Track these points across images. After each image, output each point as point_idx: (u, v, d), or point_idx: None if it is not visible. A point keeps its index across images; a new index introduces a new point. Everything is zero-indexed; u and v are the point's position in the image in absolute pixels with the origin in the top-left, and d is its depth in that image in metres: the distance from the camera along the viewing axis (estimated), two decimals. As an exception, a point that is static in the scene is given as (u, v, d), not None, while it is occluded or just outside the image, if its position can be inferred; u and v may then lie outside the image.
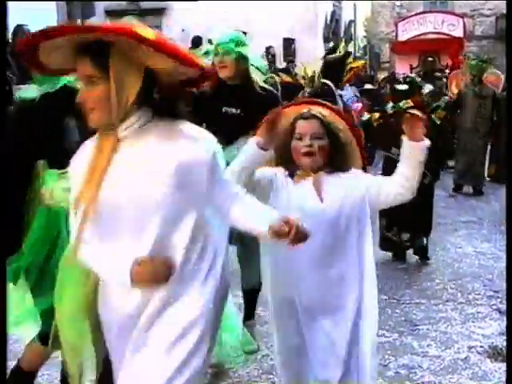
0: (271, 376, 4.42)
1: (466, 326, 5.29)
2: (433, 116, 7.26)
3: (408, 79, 7.44)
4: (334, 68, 7.84)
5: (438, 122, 7.34)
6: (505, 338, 5.01)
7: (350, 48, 27.08)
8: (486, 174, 11.95)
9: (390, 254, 7.31)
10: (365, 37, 37.22)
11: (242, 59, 4.51)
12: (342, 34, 25.89)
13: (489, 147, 12.42)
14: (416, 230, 7.22)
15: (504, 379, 4.34)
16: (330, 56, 8.05)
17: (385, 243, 7.25)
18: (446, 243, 7.83)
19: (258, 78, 4.62)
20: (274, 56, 17.86)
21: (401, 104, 6.96)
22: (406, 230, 7.18)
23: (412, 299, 5.93)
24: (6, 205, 2.75)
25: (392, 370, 4.51)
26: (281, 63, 18.28)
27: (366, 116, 7.70)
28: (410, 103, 6.95)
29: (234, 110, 4.47)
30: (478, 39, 36.86)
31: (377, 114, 7.45)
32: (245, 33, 16.43)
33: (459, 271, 6.77)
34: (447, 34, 17.79)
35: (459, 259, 7.18)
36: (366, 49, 30.39)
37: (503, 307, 5.68)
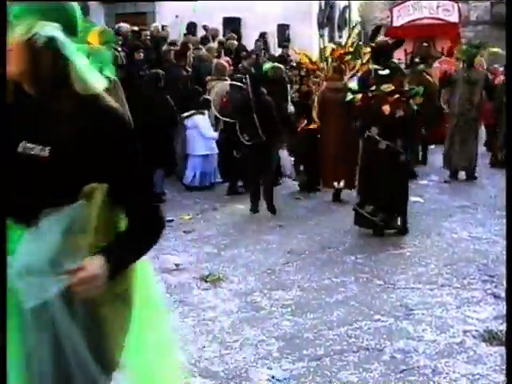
0: (267, 361, 4.43)
1: (461, 311, 5.30)
2: (410, 101, 7.51)
3: (392, 65, 7.63)
4: (381, 52, 7.93)
5: (415, 108, 7.61)
6: (500, 321, 5.04)
7: (345, 34, 27.07)
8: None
9: (384, 239, 7.36)
10: (360, 22, 37.12)
11: (47, 43, 2.05)
12: (336, 20, 25.79)
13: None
14: (392, 210, 7.50)
15: (499, 362, 4.38)
16: (379, 40, 8.19)
17: (360, 220, 7.57)
18: (441, 228, 7.83)
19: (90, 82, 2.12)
20: (266, 43, 17.79)
21: (382, 88, 7.30)
22: (382, 210, 7.42)
23: (407, 284, 5.93)
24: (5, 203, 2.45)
25: (387, 354, 4.52)
26: (275, 49, 18.20)
27: (349, 97, 7.87)
28: (392, 87, 7.31)
29: (37, 150, 2.10)
30: (473, 24, 36.79)
31: (359, 96, 7.65)
32: (239, 19, 16.43)
33: (454, 256, 6.78)
34: (442, 20, 17.72)
35: (454, 244, 7.19)
36: (361, 34, 30.30)
37: (498, 291, 5.71)
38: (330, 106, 9.06)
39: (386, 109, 7.25)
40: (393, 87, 7.32)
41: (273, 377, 4.20)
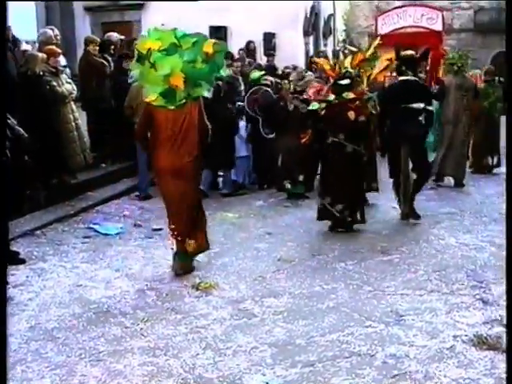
0: (261, 368, 4.48)
1: (450, 316, 5.36)
2: (368, 105, 8.10)
3: (347, 74, 8.06)
4: (407, 64, 8.60)
5: (373, 111, 8.23)
6: (489, 326, 5.13)
7: (330, 41, 27.16)
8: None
9: (373, 246, 7.43)
10: (344, 30, 37.40)
11: None
12: (321, 28, 25.95)
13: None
14: (355, 207, 8.07)
15: (489, 367, 4.45)
16: (404, 53, 8.76)
17: (324, 214, 8.16)
18: (429, 235, 7.91)
19: None
20: (254, 50, 17.84)
21: (344, 95, 7.89)
22: (348, 207, 8.01)
23: (397, 290, 5.99)
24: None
25: (379, 359, 4.57)
26: (261, 58, 18.28)
27: (315, 106, 8.33)
28: (352, 95, 7.90)
29: None
30: (457, 32, 37.11)
31: (323, 104, 8.16)
32: (225, 28, 16.49)
33: (442, 262, 6.84)
34: (426, 28, 17.85)
35: (442, 250, 7.26)
36: (346, 42, 30.53)
37: (486, 297, 5.79)
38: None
39: (352, 114, 7.81)
40: (353, 95, 7.89)
41: (267, 383, 4.25)
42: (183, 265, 6.57)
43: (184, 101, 6.31)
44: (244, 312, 5.51)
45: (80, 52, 14.57)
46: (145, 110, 6.60)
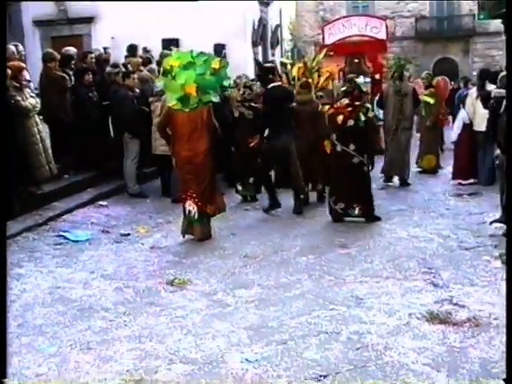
0: (239, 347, 4.96)
1: (405, 298, 5.93)
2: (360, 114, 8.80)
3: (351, 83, 9.14)
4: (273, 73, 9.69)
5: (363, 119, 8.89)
6: (440, 305, 5.71)
7: (277, 51, 27.76)
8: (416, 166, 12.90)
9: (331, 241, 7.97)
10: (291, 40, 38.26)
11: None
12: (269, 39, 26.62)
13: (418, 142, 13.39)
14: (349, 201, 8.95)
15: (441, 337, 5.02)
16: (267, 65, 9.59)
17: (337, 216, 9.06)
18: (382, 230, 8.49)
19: None
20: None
21: (342, 101, 8.91)
22: (341, 200, 8.98)
23: (356, 279, 6.53)
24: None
25: (344, 336, 5.10)
26: (213, 68, 18.78)
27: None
28: (347, 101, 8.87)
29: None
30: (399, 40, 38.33)
31: (326, 107, 9.52)
32: (177, 40, 16.82)
33: (395, 253, 7.42)
34: (371, 37, 18.60)
35: (395, 243, 7.84)
36: (293, 51, 31.33)
37: (436, 280, 6.39)
38: (299, 117, 9.89)
39: (340, 119, 8.73)
40: (347, 101, 8.80)
41: (246, 359, 4.73)
42: (203, 229, 8.18)
43: (196, 105, 7.94)
44: (218, 302, 5.98)
45: (30, 65, 14.82)
46: (165, 113, 8.29)
